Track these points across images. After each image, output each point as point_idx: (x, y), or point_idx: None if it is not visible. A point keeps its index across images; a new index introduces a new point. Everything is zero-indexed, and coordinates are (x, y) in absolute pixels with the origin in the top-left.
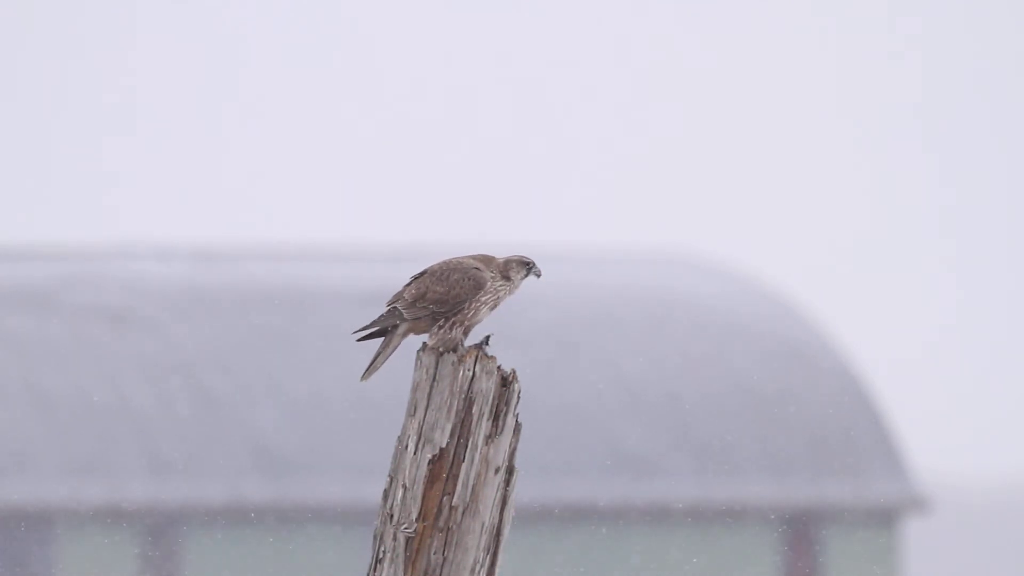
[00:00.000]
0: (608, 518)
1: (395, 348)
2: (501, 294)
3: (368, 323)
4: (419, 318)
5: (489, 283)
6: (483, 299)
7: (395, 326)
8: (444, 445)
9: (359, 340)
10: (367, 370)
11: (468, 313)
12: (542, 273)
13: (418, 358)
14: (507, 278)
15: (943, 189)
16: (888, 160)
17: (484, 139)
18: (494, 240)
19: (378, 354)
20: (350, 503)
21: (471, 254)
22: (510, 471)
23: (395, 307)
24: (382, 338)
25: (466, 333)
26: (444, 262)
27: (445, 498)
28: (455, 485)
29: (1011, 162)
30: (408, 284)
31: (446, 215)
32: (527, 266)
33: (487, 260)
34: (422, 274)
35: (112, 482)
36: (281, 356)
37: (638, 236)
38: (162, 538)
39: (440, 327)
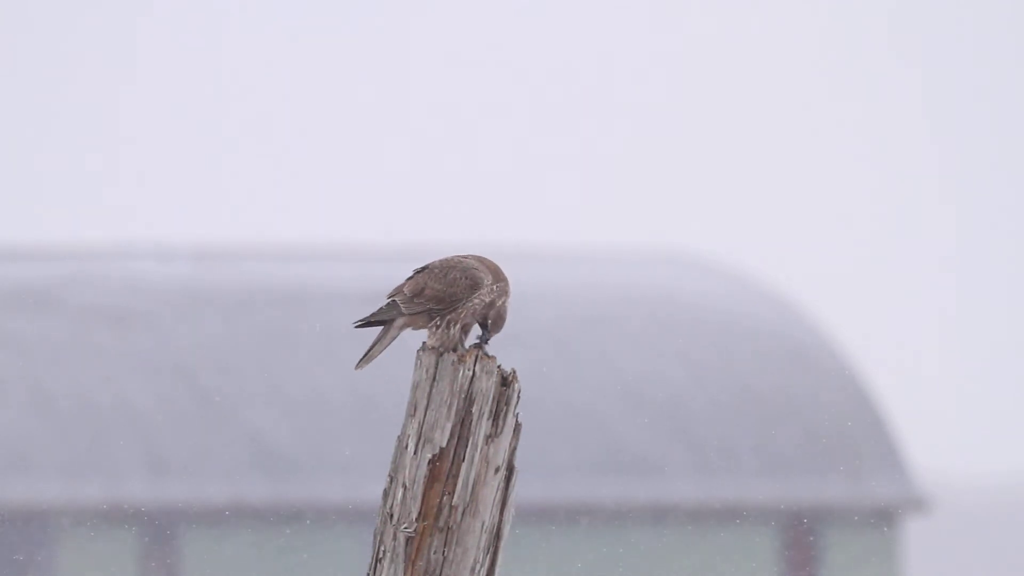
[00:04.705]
0: (608, 518)
1: (392, 340)
2: (485, 300)
3: (368, 315)
4: (416, 313)
5: (486, 288)
6: (475, 300)
7: (393, 319)
8: (444, 445)
9: (357, 327)
10: (362, 359)
11: (462, 313)
12: (487, 343)
13: (418, 358)
14: (490, 299)
15: (944, 189)
16: (889, 160)
17: (484, 139)
18: (494, 240)
19: (374, 344)
20: (350, 503)
21: (476, 254)
22: (510, 471)
23: (394, 300)
24: (380, 327)
25: (465, 332)
26: (446, 259)
27: (445, 498)
28: (455, 485)
29: (1012, 162)
30: (410, 277)
31: (446, 215)
32: (483, 328)
33: (495, 271)
34: (424, 268)
35: (112, 482)
36: (281, 356)
37: (638, 236)
38: (162, 538)
39: (437, 326)
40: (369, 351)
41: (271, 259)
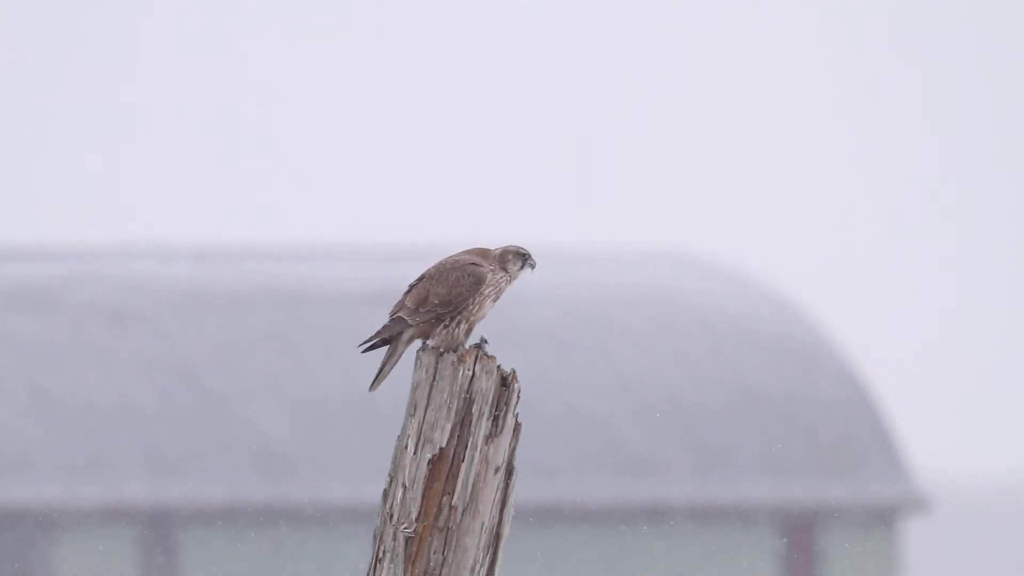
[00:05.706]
0: (608, 518)
1: (401, 355)
2: (502, 285)
3: (372, 335)
4: (425, 322)
5: (489, 276)
6: (485, 292)
7: (399, 333)
8: (444, 445)
9: (364, 351)
10: (375, 380)
11: (472, 309)
12: (536, 264)
13: (418, 358)
14: (504, 269)
15: (943, 188)
16: (888, 159)
17: (484, 138)
18: (495, 240)
19: (385, 363)
20: (350, 503)
21: (465, 250)
22: (510, 471)
23: (399, 316)
24: (386, 347)
25: (468, 331)
26: (440, 263)
27: (445, 498)
28: (455, 485)
29: (1011, 162)
30: (407, 292)
31: (446, 215)
32: (523, 257)
33: (483, 253)
34: (420, 280)
35: (112, 482)
36: (281, 356)
37: (638, 236)
38: (162, 538)
39: (445, 326)
40: (381, 370)
41: (271, 259)
